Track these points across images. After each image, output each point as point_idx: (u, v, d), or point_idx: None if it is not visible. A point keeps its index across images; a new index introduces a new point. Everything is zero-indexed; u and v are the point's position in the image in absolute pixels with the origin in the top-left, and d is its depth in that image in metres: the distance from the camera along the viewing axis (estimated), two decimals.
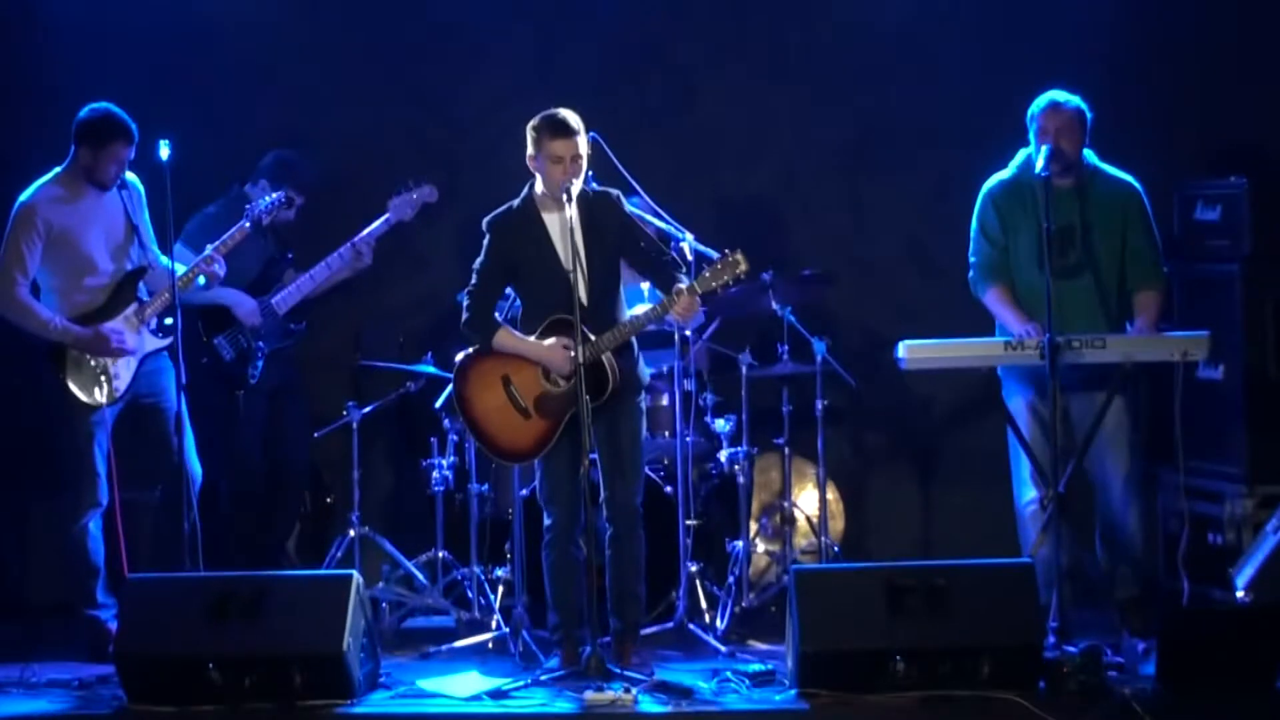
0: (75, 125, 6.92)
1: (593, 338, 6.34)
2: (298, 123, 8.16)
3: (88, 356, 6.87)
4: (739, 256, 6.32)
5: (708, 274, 6.38)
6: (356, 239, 7.40)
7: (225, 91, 8.08)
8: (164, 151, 6.66)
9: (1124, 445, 6.75)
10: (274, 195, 7.32)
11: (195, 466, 6.99)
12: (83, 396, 6.86)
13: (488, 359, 6.54)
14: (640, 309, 6.59)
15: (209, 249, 7.07)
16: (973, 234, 6.90)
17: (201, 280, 7.05)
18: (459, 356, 6.62)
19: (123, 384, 6.92)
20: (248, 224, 7.19)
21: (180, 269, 6.91)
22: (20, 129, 8.14)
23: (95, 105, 6.93)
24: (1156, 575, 6.98)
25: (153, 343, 7.01)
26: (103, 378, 6.87)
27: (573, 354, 6.31)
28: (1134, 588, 6.78)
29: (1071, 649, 6.17)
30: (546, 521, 6.56)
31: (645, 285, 6.92)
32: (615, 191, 6.61)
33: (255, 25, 8.18)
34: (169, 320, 6.97)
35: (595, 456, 6.46)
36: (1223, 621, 6.29)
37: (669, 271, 6.51)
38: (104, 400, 6.87)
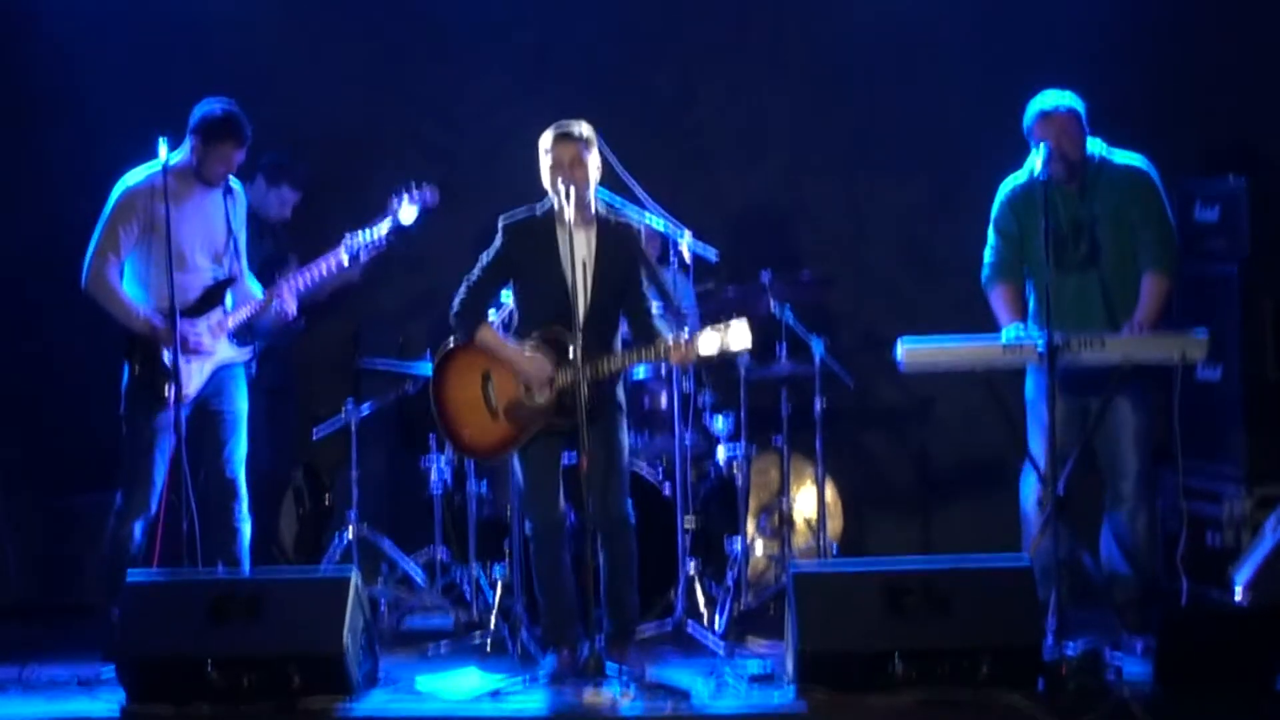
0: (192, 117, 6.82)
1: (579, 358, 6.27)
2: (297, 123, 8.16)
3: (162, 354, 6.71)
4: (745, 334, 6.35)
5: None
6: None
7: (225, 91, 8.03)
8: (163, 151, 6.64)
9: (1133, 444, 6.74)
10: (378, 237, 7.10)
11: (239, 474, 6.89)
12: (152, 394, 6.71)
13: (476, 351, 6.54)
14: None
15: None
16: (989, 233, 6.90)
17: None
18: (448, 342, 6.62)
19: (193, 388, 6.77)
20: (345, 258, 7.07)
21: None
22: (19, 129, 8.15)
23: (216, 100, 6.84)
24: (1156, 575, 6.97)
25: (230, 353, 6.90)
26: (173, 379, 6.68)
27: (548, 366, 6.36)
28: (1133, 588, 6.78)
29: (1071, 649, 6.16)
30: (528, 529, 6.52)
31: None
32: (638, 227, 6.63)
33: (255, 25, 8.19)
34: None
35: (574, 460, 6.43)
36: (1222, 621, 6.29)
37: (652, 324, 6.50)
38: (171, 400, 6.65)
